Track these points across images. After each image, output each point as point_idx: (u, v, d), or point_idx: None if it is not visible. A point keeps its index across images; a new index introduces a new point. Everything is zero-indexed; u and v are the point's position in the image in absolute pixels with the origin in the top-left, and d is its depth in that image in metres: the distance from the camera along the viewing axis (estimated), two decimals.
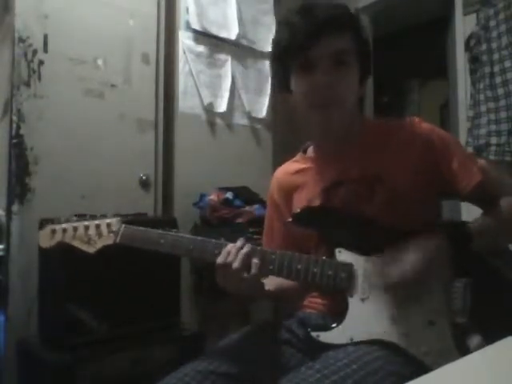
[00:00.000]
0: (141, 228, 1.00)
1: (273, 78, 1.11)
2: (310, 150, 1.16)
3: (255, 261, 0.93)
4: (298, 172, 1.14)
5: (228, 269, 0.92)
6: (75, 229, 1.00)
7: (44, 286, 1.81)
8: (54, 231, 1.01)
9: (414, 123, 1.04)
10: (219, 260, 0.93)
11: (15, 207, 1.91)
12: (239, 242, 0.95)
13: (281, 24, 1.05)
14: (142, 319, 1.77)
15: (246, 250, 0.93)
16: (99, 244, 1.00)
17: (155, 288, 1.81)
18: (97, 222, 1.00)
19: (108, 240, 1.00)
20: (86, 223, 1.00)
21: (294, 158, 1.19)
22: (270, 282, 1.06)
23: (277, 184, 1.19)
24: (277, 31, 1.07)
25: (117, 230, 1.00)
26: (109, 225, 1.00)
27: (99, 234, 1.00)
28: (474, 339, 0.88)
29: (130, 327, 1.74)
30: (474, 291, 0.91)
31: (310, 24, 0.96)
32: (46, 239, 1.01)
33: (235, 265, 0.92)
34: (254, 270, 0.92)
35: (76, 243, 1.00)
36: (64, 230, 1.00)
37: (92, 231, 1.00)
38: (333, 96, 0.98)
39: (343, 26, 0.99)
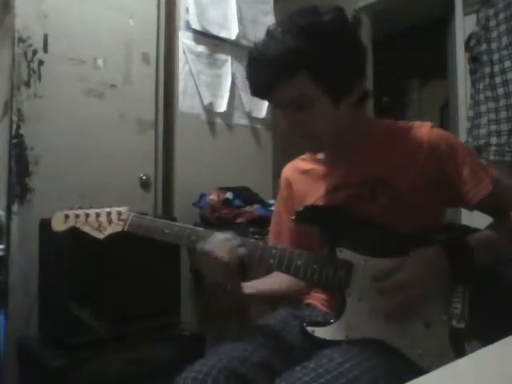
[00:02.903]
0: (148, 217, 1.05)
1: None
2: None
3: (242, 250, 0.94)
4: (305, 172, 1.15)
5: (211, 257, 0.93)
6: (87, 215, 1.05)
7: (44, 286, 1.81)
8: (67, 216, 1.06)
9: (424, 128, 1.01)
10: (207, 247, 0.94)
11: (15, 207, 1.91)
12: (229, 234, 0.97)
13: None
14: (141, 319, 1.77)
15: (236, 241, 0.95)
16: (108, 231, 1.04)
17: (155, 288, 1.81)
18: (108, 209, 1.06)
19: (117, 227, 1.04)
20: (98, 210, 1.06)
21: (302, 156, 1.20)
22: (252, 285, 1.07)
23: (286, 180, 1.20)
24: None
25: (126, 218, 1.04)
26: (119, 213, 1.05)
27: (109, 221, 1.05)
28: (472, 343, 0.87)
29: (130, 327, 1.74)
30: (473, 296, 0.91)
31: (261, 80, 0.95)
32: (59, 224, 1.06)
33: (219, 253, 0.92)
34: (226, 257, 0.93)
35: (86, 229, 1.05)
36: (77, 216, 1.06)
37: (103, 218, 1.05)
38: (301, 134, 1.00)
39: (292, 70, 0.91)
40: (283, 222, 1.18)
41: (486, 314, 0.91)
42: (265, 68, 0.92)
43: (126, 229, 1.04)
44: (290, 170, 1.21)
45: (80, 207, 1.07)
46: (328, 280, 0.94)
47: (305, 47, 0.90)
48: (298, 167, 1.18)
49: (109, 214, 1.05)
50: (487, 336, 0.76)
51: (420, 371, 0.81)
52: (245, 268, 0.98)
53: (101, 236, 1.04)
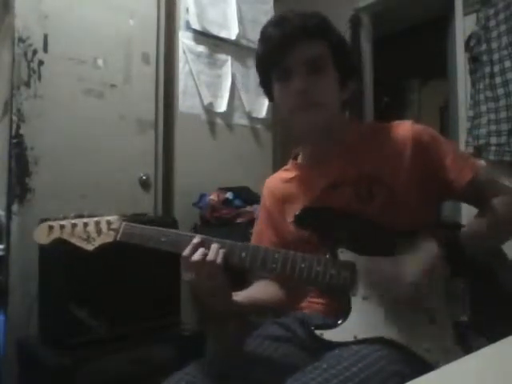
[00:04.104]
0: (141, 225, 0.98)
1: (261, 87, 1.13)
2: (301, 157, 1.17)
3: (222, 251, 0.93)
4: (290, 180, 1.15)
5: (202, 263, 0.91)
6: (74, 225, 0.97)
7: (44, 286, 1.81)
8: (51, 227, 0.97)
9: (405, 125, 1.04)
10: (195, 257, 0.91)
11: (15, 207, 1.91)
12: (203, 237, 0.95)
13: (260, 36, 1.07)
14: (141, 319, 1.77)
15: (216, 244, 0.93)
16: (98, 241, 0.97)
17: (155, 288, 1.81)
18: (96, 218, 0.97)
19: (108, 238, 0.97)
20: (85, 220, 0.97)
21: (285, 167, 1.20)
22: (241, 294, 1.06)
23: (269, 193, 1.20)
24: (258, 43, 1.09)
25: (117, 227, 0.97)
26: (108, 222, 0.97)
27: (98, 232, 0.97)
28: (475, 338, 0.88)
29: (130, 327, 1.74)
30: (474, 290, 0.92)
31: (282, 34, 1.00)
32: (42, 235, 0.97)
33: (210, 257, 0.91)
34: (219, 260, 0.91)
35: (74, 240, 0.97)
36: (62, 227, 0.97)
37: (91, 228, 0.97)
38: (309, 100, 1.00)
39: (315, 33, 1.00)
40: (265, 233, 1.17)
41: (488, 307, 0.92)
42: (294, 22, 0.99)
43: (118, 238, 0.97)
44: (272, 181, 1.21)
45: (65, 217, 0.98)
46: (332, 282, 0.94)
47: (327, 25, 1.04)
48: (282, 177, 1.18)
49: (97, 223, 0.97)
50: (491, 328, 0.77)
51: (429, 368, 0.82)
52: (230, 272, 0.96)
53: (90, 247, 0.96)
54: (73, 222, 0.97)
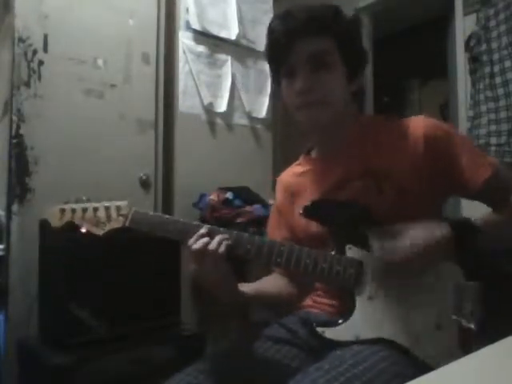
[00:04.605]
0: (151, 213, 1.00)
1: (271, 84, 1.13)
2: (314, 152, 1.16)
3: (228, 242, 0.93)
4: (301, 174, 1.14)
5: (204, 253, 0.91)
6: (84, 210, 0.99)
7: (44, 286, 1.81)
8: (63, 211, 0.99)
9: (417, 121, 1.01)
10: (196, 245, 0.92)
11: (15, 207, 1.91)
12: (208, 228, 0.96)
13: (267, 31, 1.05)
14: (142, 319, 1.77)
15: (222, 235, 0.94)
16: (108, 226, 0.99)
17: (155, 288, 1.81)
18: (106, 203, 1.00)
19: (117, 223, 0.99)
20: (96, 205, 1.00)
21: (297, 161, 1.19)
22: (248, 285, 1.06)
23: (281, 188, 1.19)
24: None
25: (126, 213, 0.99)
26: (118, 208, 1.00)
27: (108, 217, 0.99)
28: (481, 344, 0.86)
29: (130, 327, 1.74)
30: (483, 296, 0.90)
31: (287, 29, 0.98)
32: (55, 219, 1.00)
33: (212, 246, 0.91)
34: (221, 249, 0.92)
35: (84, 224, 0.99)
36: (73, 211, 0.99)
37: (101, 213, 0.99)
38: (312, 99, 0.99)
39: (321, 27, 0.98)
40: (277, 235, 1.16)
41: (496, 315, 0.89)
42: (299, 16, 0.98)
43: (127, 224, 0.98)
44: (285, 176, 1.20)
45: (77, 201, 1.01)
46: (337, 279, 0.93)
47: (333, 17, 1.01)
48: (294, 172, 1.17)
49: (107, 208, 0.99)
50: (497, 337, 0.75)
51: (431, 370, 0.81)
52: (232, 262, 0.96)
53: (100, 232, 0.98)
54: (83, 206, 1.00)
